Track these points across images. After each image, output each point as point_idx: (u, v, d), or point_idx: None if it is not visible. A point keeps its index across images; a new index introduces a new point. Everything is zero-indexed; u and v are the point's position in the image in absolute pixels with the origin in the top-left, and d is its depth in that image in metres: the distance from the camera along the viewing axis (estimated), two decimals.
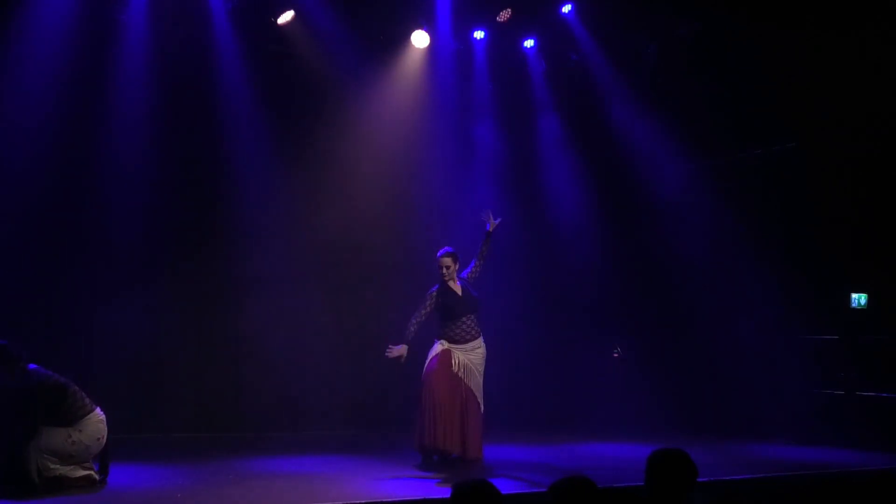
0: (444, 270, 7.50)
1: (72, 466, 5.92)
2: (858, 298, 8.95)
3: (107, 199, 8.50)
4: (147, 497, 5.90)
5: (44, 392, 5.81)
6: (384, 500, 5.77)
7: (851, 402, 8.78)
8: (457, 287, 7.55)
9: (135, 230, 8.59)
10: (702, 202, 10.04)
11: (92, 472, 6.03)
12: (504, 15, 9.67)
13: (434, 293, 7.52)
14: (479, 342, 7.61)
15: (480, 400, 7.57)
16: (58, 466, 5.84)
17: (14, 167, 8.03)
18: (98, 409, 6.06)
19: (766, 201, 9.71)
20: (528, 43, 10.26)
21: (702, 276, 10.04)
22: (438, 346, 7.52)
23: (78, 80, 8.28)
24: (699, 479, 3.73)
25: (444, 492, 5.94)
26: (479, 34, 10.04)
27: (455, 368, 7.45)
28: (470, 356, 7.54)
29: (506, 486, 5.82)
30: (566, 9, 9.85)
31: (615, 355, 10.52)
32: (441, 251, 7.58)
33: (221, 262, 9.11)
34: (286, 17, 9.04)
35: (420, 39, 9.65)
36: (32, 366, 5.88)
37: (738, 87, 9.48)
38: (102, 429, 6.04)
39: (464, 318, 7.51)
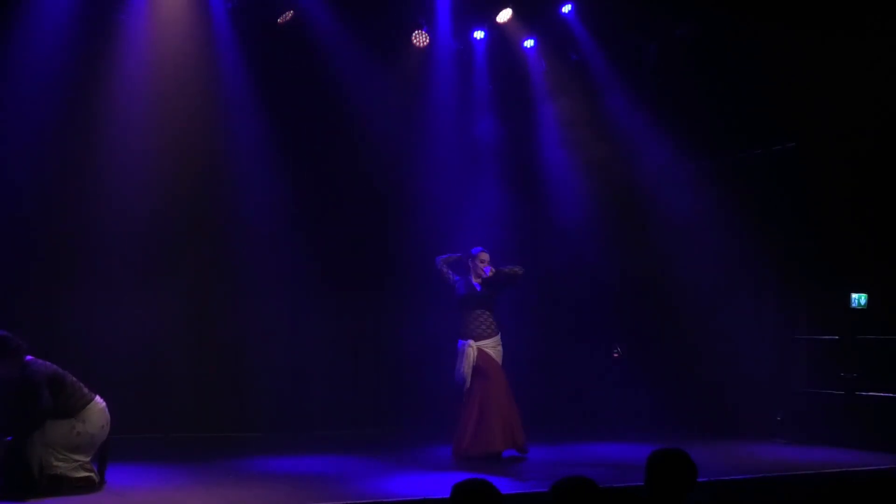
0: (480, 264, 7.86)
1: (75, 465, 5.90)
2: (858, 298, 8.94)
3: (106, 199, 8.49)
4: (147, 497, 5.91)
5: (44, 384, 5.79)
6: (384, 500, 5.77)
7: (851, 402, 8.78)
8: (477, 282, 7.89)
9: (135, 230, 8.58)
10: (702, 202, 10.02)
11: (92, 475, 6.01)
12: (504, 15, 9.68)
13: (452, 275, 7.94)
14: (496, 341, 7.87)
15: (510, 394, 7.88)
16: (60, 463, 5.83)
17: (13, 167, 8.03)
18: (98, 398, 6.06)
19: (766, 201, 9.70)
20: (528, 43, 10.26)
21: (702, 275, 10.02)
22: (470, 350, 7.74)
23: (77, 81, 8.28)
24: (699, 479, 3.73)
25: (444, 492, 5.94)
26: (479, 34, 10.04)
27: (488, 365, 7.76)
28: (491, 353, 7.81)
29: (506, 486, 5.82)
30: (566, 9, 9.85)
31: (615, 355, 10.52)
32: (480, 248, 8.00)
33: (221, 262, 9.10)
34: (286, 17, 9.03)
35: (420, 39, 9.65)
36: (29, 357, 5.89)
37: (737, 87, 9.47)
38: (105, 416, 6.05)
39: (477, 312, 7.80)
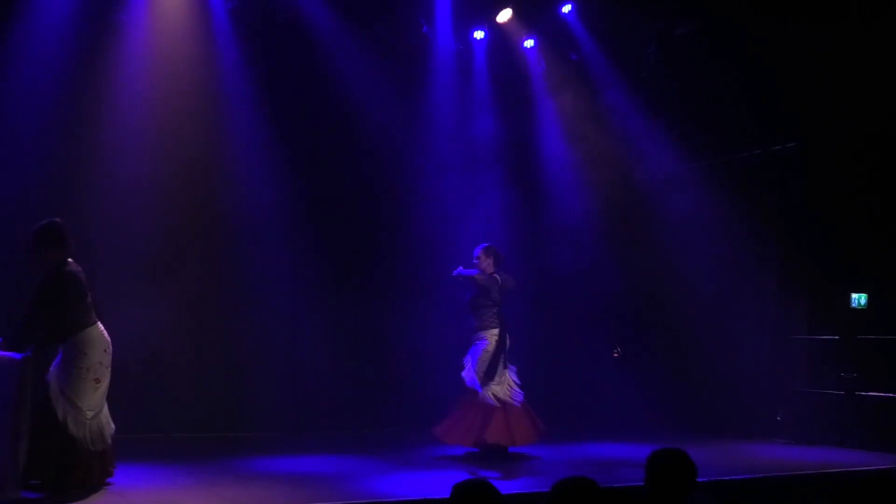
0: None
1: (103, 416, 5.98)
2: (858, 298, 8.94)
3: (106, 199, 8.47)
4: (147, 497, 5.91)
5: (73, 291, 5.83)
6: (384, 500, 5.77)
7: (851, 402, 8.78)
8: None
9: (135, 230, 8.57)
10: (701, 202, 10.03)
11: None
12: (504, 16, 9.68)
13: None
14: None
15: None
16: (103, 417, 5.93)
17: (13, 167, 8.02)
18: (98, 323, 6.08)
19: (766, 201, 9.70)
20: (529, 43, 10.26)
21: (702, 275, 10.02)
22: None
23: (77, 81, 8.28)
24: (699, 479, 3.73)
25: (444, 492, 5.94)
26: (479, 34, 10.05)
27: None
28: None
29: (506, 486, 5.82)
30: (566, 9, 9.86)
31: (615, 355, 10.51)
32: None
33: (222, 262, 9.10)
34: (287, 17, 9.02)
35: (421, 39, 9.67)
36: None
37: (737, 87, 9.48)
38: (105, 338, 6.08)
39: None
